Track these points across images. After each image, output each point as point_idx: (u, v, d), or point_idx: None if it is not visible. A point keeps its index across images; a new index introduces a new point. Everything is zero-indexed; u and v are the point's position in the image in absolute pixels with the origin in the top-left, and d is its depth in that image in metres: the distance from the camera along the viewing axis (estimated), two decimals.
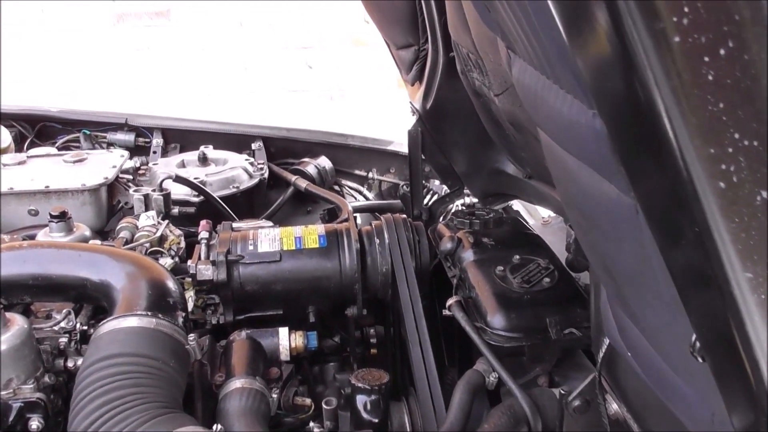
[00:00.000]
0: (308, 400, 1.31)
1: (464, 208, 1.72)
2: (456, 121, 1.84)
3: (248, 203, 2.04)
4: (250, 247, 1.46)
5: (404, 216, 1.58)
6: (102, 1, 3.82)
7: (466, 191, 2.08)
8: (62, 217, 1.46)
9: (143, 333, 1.09)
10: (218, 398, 1.21)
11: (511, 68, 0.73)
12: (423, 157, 1.97)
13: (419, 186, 2.02)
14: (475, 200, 2.18)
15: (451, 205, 2.09)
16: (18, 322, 1.13)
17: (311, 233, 1.50)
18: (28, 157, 1.92)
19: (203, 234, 1.53)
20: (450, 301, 1.29)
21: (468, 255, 1.41)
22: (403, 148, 2.35)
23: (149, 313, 1.13)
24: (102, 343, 1.08)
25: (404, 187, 2.20)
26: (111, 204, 1.90)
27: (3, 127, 2.16)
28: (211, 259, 1.43)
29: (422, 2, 1.55)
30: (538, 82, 0.57)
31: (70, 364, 1.23)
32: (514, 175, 1.73)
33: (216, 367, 1.29)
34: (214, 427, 1.00)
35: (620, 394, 0.91)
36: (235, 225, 1.58)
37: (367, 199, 2.40)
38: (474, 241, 1.43)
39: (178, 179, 1.81)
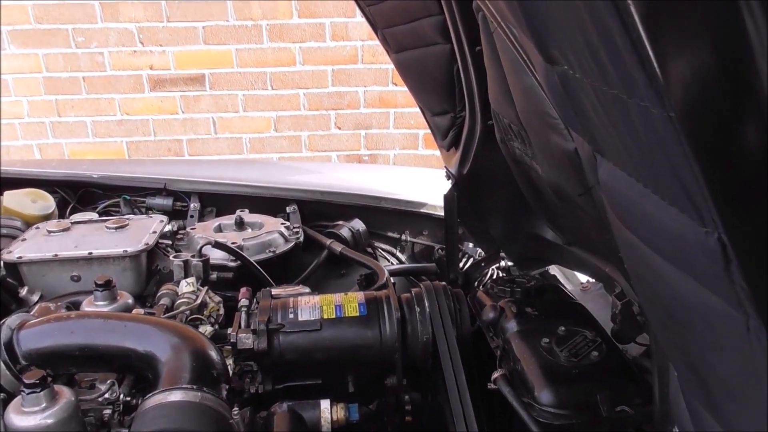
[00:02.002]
0: None
1: (503, 274, 1.70)
2: (493, 187, 1.85)
3: (284, 267, 2.05)
4: (291, 316, 1.46)
5: (444, 283, 1.57)
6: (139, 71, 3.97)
7: (502, 255, 2.07)
8: (107, 285, 1.48)
9: (188, 407, 1.09)
10: None
11: (593, 168, 0.73)
12: (458, 221, 1.98)
13: (455, 250, 2.02)
14: (510, 264, 2.17)
15: (487, 270, 2.07)
16: (66, 395, 1.14)
17: (351, 301, 1.50)
18: (72, 223, 1.96)
19: (243, 302, 1.54)
20: (495, 375, 1.27)
21: (511, 325, 1.39)
22: (437, 210, 2.37)
23: (194, 387, 1.12)
24: (148, 418, 1.07)
25: (439, 250, 2.20)
26: (150, 269, 1.93)
27: (48, 194, 2.23)
28: (251, 327, 1.43)
29: (461, 72, 1.58)
30: (632, 188, 0.56)
31: None
32: (553, 241, 1.72)
33: None
34: None
35: None
36: (274, 292, 1.59)
37: (400, 261, 2.40)
38: (517, 311, 1.42)
39: (218, 245, 1.83)
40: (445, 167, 2.04)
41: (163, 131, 4.24)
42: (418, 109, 4.09)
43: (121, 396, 1.28)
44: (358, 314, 1.47)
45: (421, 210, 2.40)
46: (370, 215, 2.39)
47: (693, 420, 0.66)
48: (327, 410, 1.30)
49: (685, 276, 0.53)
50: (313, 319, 1.45)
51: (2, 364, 1.23)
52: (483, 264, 2.04)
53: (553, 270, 2.07)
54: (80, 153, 4.25)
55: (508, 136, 1.45)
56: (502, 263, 2.17)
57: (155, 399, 1.11)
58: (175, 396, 1.10)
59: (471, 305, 1.58)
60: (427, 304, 1.49)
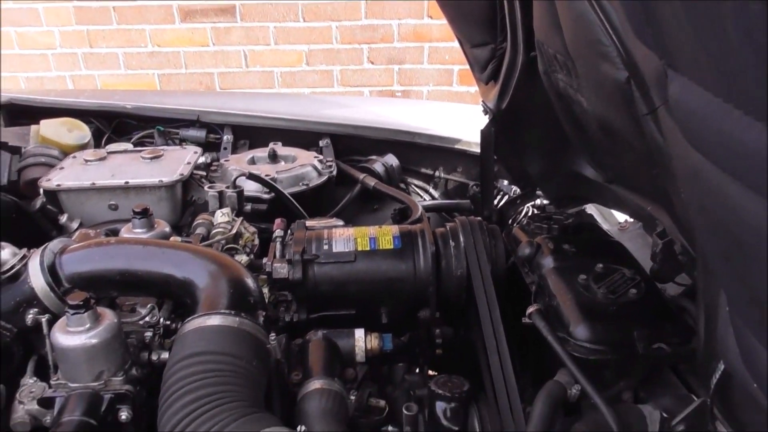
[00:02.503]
0: (382, 402, 1.30)
1: (539, 212, 1.67)
2: (532, 122, 1.79)
3: (316, 201, 2.05)
4: (325, 247, 1.46)
5: (479, 219, 1.54)
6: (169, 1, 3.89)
7: (538, 193, 2.03)
8: (144, 214, 1.49)
9: (227, 332, 1.11)
10: (295, 397, 1.22)
11: (660, 88, 0.68)
12: (495, 158, 1.94)
13: (490, 187, 1.99)
14: (546, 202, 2.14)
15: (522, 208, 2.04)
16: (109, 316, 1.17)
17: (386, 234, 1.49)
18: (108, 153, 1.98)
19: (278, 232, 1.54)
20: (530, 309, 1.26)
21: (548, 261, 1.37)
22: (471, 147, 2.33)
23: (232, 312, 1.14)
24: (188, 340, 1.10)
25: (474, 187, 2.17)
26: (185, 199, 1.95)
27: (83, 124, 2.24)
28: (287, 257, 1.44)
29: (504, 1, 1.51)
30: (709, 104, 0.53)
31: (154, 357, 1.26)
32: (593, 179, 1.67)
33: (291, 365, 1.30)
34: (298, 428, 1.00)
35: (734, 424, 0.86)
36: (308, 223, 1.59)
37: (433, 198, 2.38)
38: (554, 248, 1.39)
39: (252, 176, 1.83)
40: (482, 101, 1.98)
41: (195, 64, 4.21)
42: (453, 44, 3.99)
43: (161, 320, 1.31)
44: (392, 247, 1.46)
45: (456, 146, 2.36)
46: (403, 151, 2.36)
47: (745, 356, 0.65)
48: (361, 339, 1.32)
49: (761, 200, 0.50)
50: (347, 250, 1.45)
51: (47, 286, 1.26)
52: (518, 201, 2.01)
53: (590, 209, 2.03)
54: (112, 85, 4.26)
55: (553, 67, 1.39)
56: (537, 201, 2.13)
57: (195, 323, 1.13)
58: (214, 320, 1.12)
59: (506, 242, 1.56)
60: (462, 239, 1.48)
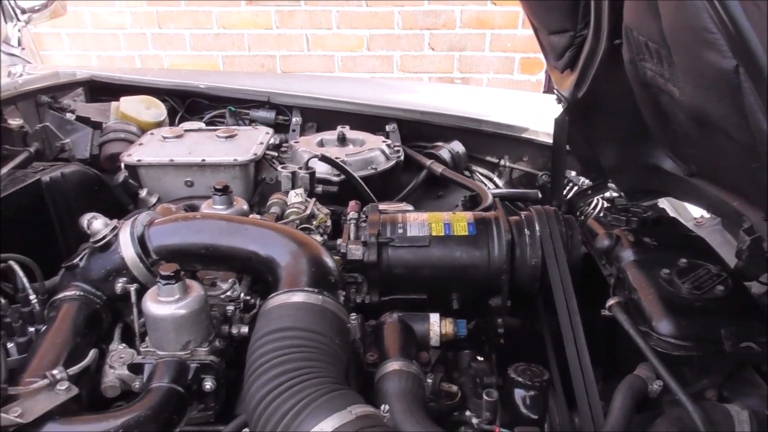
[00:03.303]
0: (455, 387, 1.31)
1: (617, 204, 1.64)
2: (610, 112, 1.75)
3: (383, 185, 2.06)
4: (400, 231, 1.47)
5: (554, 208, 1.53)
6: None
7: (610, 185, 1.99)
8: (224, 191, 1.53)
9: (311, 309, 1.13)
10: (369, 377, 1.24)
11: None
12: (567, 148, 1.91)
13: (561, 177, 1.96)
14: (615, 195, 2.09)
15: (592, 199, 2.01)
16: (196, 288, 1.21)
17: (460, 220, 1.49)
18: (184, 131, 2.03)
19: (352, 215, 1.56)
20: (611, 302, 1.24)
21: (628, 254, 1.35)
22: (539, 136, 2.29)
23: (315, 290, 1.16)
24: (273, 315, 1.12)
25: (543, 177, 2.14)
26: (256, 179, 1.99)
27: (160, 102, 2.31)
28: (362, 239, 1.46)
29: None
30: None
31: (234, 331, 1.30)
32: (671, 172, 1.63)
33: (366, 345, 1.32)
34: (382, 407, 1.02)
35: None
36: (381, 207, 1.60)
37: (497, 186, 2.36)
38: (634, 240, 1.37)
39: (324, 159, 1.86)
40: (556, 90, 1.94)
41: (258, 46, 4.27)
42: (516, 32, 3.93)
43: (241, 295, 1.35)
44: (466, 233, 1.46)
45: (523, 135, 2.33)
46: (469, 137, 2.34)
47: None
48: (436, 324, 1.33)
49: None
50: (422, 235, 1.46)
51: (137, 257, 1.31)
52: (589, 193, 1.97)
53: (662, 203, 1.97)
54: (178, 65, 4.36)
55: (641, 56, 1.35)
56: (607, 194, 2.09)
57: (279, 299, 1.15)
58: (298, 297, 1.14)
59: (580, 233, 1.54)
60: (537, 228, 1.46)
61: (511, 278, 1.47)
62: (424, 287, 1.49)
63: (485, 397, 1.13)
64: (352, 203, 1.60)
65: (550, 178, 1.99)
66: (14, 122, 1.86)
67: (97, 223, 1.34)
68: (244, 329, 1.32)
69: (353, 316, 1.20)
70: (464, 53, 4.19)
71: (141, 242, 1.32)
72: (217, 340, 1.25)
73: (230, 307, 1.31)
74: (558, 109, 1.90)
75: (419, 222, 1.49)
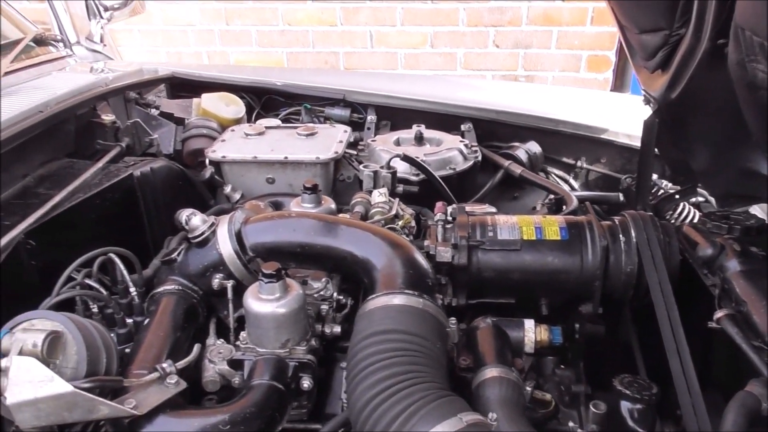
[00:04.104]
0: (548, 396, 1.29)
1: (716, 211, 1.58)
2: (705, 114, 1.68)
3: (460, 186, 2.04)
4: (490, 234, 1.45)
5: (650, 213, 1.48)
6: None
7: (700, 190, 1.92)
8: (314, 189, 1.54)
9: (413, 312, 1.12)
10: (464, 382, 1.22)
11: None
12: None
13: (648, 181, 1.89)
14: (702, 200, 2.02)
15: (679, 205, 1.94)
16: (296, 287, 1.22)
17: (551, 224, 1.46)
18: (265, 128, 2.06)
19: (439, 216, 1.55)
20: (719, 314, 1.19)
21: (733, 264, 1.29)
22: (618, 137, 2.23)
23: (416, 293, 1.16)
24: (375, 318, 1.12)
25: (627, 179, 2.08)
26: (335, 177, 2.00)
27: (239, 99, 2.35)
28: (452, 241, 1.44)
29: None
30: None
31: (327, 330, 1.31)
32: None
33: (457, 350, 1.31)
34: (489, 415, 1.00)
35: None
36: (467, 209, 1.58)
37: (572, 188, 2.31)
38: (741, 250, 1.31)
39: (407, 159, 1.85)
40: (645, 91, 1.88)
41: (322, 43, 4.30)
42: (583, 29, 3.83)
43: (334, 294, 1.35)
44: (559, 238, 1.43)
45: (602, 136, 2.27)
46: (545, 138, 2.30)
47: None
48: (531, 330, 1.30)
49: None
50: (513, 238, 1.43)
51: (234, 253, 1.33)
52: (677, 197, 1.90)
53: (753, 210, 1.89)
54: (243, 61, 4.43)
55: (752, 57, 1.29)
56: (693, 199, 2.02)
57: (379, 301, 1.15)
58: (399, 300, 1.14)
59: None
60: (633, 234, 1.42)
61: (603, 285, 1.43)
62: (513, 291, 1.47)
63: (592, 408, 1.11)
64: (439, 204, 1.58)
65: (636, 182, 1.93)
66: (107, 118, 1.92)
67: (195, 220, 1.37)
68: (337, 329, 1.33)
69: (452, 320, 1.18)
70: (530, 50, 4.12)
71: (238, 239, 1.35)
72: (313, 339, 1.26)
73: (324, 306, 1.32)
74: (645, 110, 1.84)
75: (509, 225, 1.46)
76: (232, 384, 1.21)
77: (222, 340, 1.29)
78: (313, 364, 1.22)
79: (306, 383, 1.20)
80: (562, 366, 1.47)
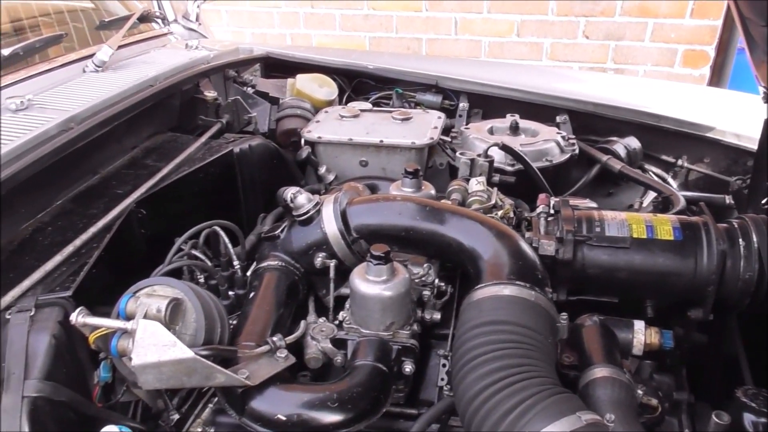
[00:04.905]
0: (654, 401, 1.23)
1: None
2: None
3: (554, 179, 1.98)
4: (597, 229, 1.40)
5: None
6: None
7: None
8: (416, 174, 1.52)
9: (525, 304, 1.09)
10: (565, 379, 1.19)
11: None
12: None
13: (762, 184, 1.78)
14: None
15: None
16: (402, 271, 1.21)
17: (663, 223, 1.39)
18: (360, 111, 2.06)
19: (542, 208, 1.50)
20: None
21: None
22: (725, 136, 2.11)
23: (527, 285, 1.13)
24: (485, 307, 1.10)
25: (737, 182, 1.97)
26: (427, 163, 1.98)
27: (332, 81, 2.36)
28: (557, 234, 1.40)
29: None
30: None
31: (427, 316, 1.30)
32: None
33: (561, 346, 1.27)
34: (607, 416, 0.97)
35: None
36: (571, 202, 1.53)
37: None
38: None
39: (505, 148, 1.81)
40: (764, 87, 1.77)
41: (405, 28, 4.26)
42: (681, 21, 3.63)
43: (436, 280, 1.34)
44: (671, 238, 1.36)
45: (707, 134, 2.15)
46: (645, 134, 2.20)
47: None
48: (641, 332, 1.25)
49: None
50: (621, 236, 1.37)
51: (339, 233, 1.34)
52: None
53: None
54: (326, 44, 4.46)
55: None
56: None
57: (488, 291, 1.13)
58: (510, 291, 1.11)
59: None
60: (755, 238, 1.33)
61: (717, 291, 1.35)
62: (617, 291, 1.42)
63: (715, 419, 1.05)
64: (542, 196, 1.54)
65: (748, 185, 1.82)
66: (209, 94, 1.97)
67: (301, 198, 1.39)
68: (437, 315, 1.31)
69: (563, 315, 1.15)
70: (621, 43, 3.96)
71: (343, 219, 1.35)
72: (415, 324, 1.25)
73: (426, 292, 1.30)
74: (761, 109, 1.73)
75: (618, 221, 1.40)
76: (333, 362, 1.22)
77: (323, 318, 1.30)
78: (416, 348, 1.21)
79: (408, 367, 1.19)
80: (660, 372, 1.41)
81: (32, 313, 1.10)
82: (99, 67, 1.86)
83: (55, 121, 1.46)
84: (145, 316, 1.01)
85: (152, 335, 0.97)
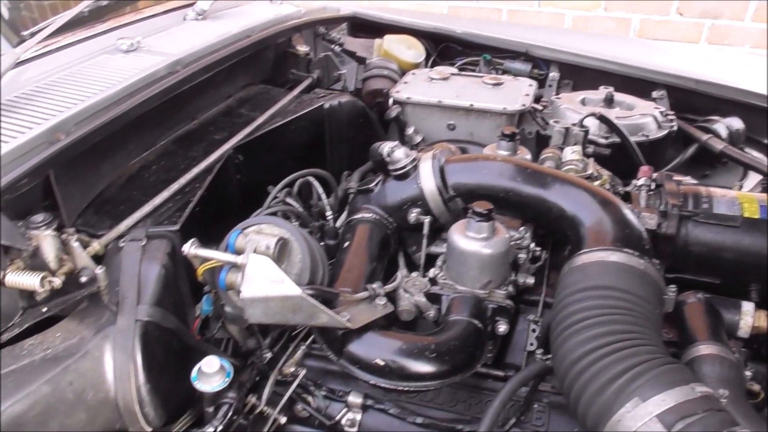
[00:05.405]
0: (757, 386, 1.18)
1: None
2: None
3: (649, 156, 1.90)
4: (704, 205, 1.34)
5: None
6: None
7: None
8: (512, 137, 1.49)
9: (633, 272, 1.06)
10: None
11: None
12: None
13: None
14: None
15: None
16: (502, 231, 1.19)
17: None
18: (451, 74, 2.02)
19: (644, 180, 1.45)
20: None
21: None
22: None
23: (636, 253, 1.09)
24: (590, 272, 1.07)
25: None
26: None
27: (419, 43, 2.32)
28: (660, 208, 1.35)
29: None
30: None
31: (520, 280, 1.28)
32: None
33: None
34: (720, 391, 0.93)
35: None
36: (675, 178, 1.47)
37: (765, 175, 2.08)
38: None
39: (602, 118, 1.75)
40: None
41: None
42: None
43: (532, 244, 1.31)
44: None
45: None
46: (749, 114, 2.08)
47: None
48: (749, 314, 1.20)
49: None
50: (731, 214, 1.31)
51: (436, 190, 1.33)
52: None
53: None
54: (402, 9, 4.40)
55: None
56: None
57: (594, 256, 1.10)
58: (617, 257, 1.08)
59: None
60: None
61: None
62: (720, 272, 1.36)
63: None
64: (644, 168, 1.48)
65: None
66: (301, 49, 1.98)
67: (398, 152, 1.38)
68: (530, 280, 1.29)
69: (671, 287, 1.11)
70: (718, 21, 3.74)
71: (441, 177, 1.34)
72: (510, 285, 1.23)
73: (522, 255, 1.28)
74: None
75: (728, 199, 1.34)
76: (426, 316, 1.22)
77: (417, 272, 1.30)
78: (512, 309, 1.19)
79: (502, 327, 1.18)
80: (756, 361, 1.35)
81: (143, 243, 1.14)
82: (200, 15, 1.89)
83: (163, 63, 1.49)
84: (254, 253, 1.03)
85: (262, 270, 0.99)
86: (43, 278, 0.99)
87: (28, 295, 1.06)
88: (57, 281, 1.01)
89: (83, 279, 1.04)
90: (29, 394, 0.93)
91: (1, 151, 1.10)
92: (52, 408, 0.96)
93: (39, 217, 1.03)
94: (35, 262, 1.04)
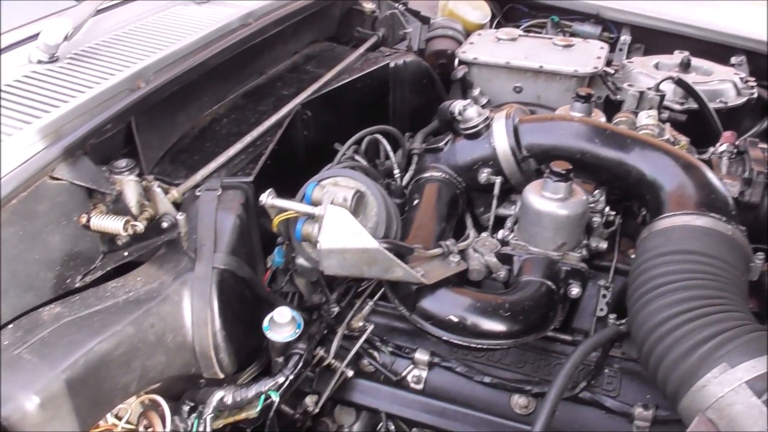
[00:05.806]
0: None
1: None
2: None
3: (726, 123, 1.82)
4: None
5: None
6: None
7: None
8: (587, 98, 1.45)
9: (721, 237, 1.02)
10: None
11: None
12: None
13: None
14: None
15: None
16: (580, 192, 1.16)
17: None
18: (519, 35, 1.97)
19: (726, 146, 1.39)
20: None
21: None
22: None
23: (723, 218, 1.05)
24: (674, 236, 1.04)
25: None
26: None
27: (486, 4, 2.26)
28: (744, 176, 1.29)
29: None
30: None
31: (593, 244, 1.25)
32: None
33: None
34: None
35: None
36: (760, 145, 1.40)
37: None
38: None
39: (680, 83, 1.68)
40: None
41: None
42: None
43: (607, 208, 1.28)
44: None
45: None
46: None
47: None
48: None
49: None
50: None
51: (509, 150, 1.30)
52: None
53: None
54: None
55: None
56: None
57: (678, 220, 1.06)
58: (704, 222, 1.04)
59: None
60: None
61: None
62: None
63: None
64: (727, 134, 1.42)
65: None
66: (368, 5, 1.95)
67: (471, 111, 1.35)
68: (603, 244, 1.26)
69: (759, 255, 1.06)
70: None
71: (515, 136, 1.31)
72: (584, 248, 1.21)
73: (596, 219, 1.25)
74: None
75: None
76: (496, 277, 1.21)
77: (487, 233, 1.28)
78: (586, 272, 1.17)
79: (575, 290, 1.16)
80: None
81: (219, 193, 1.15)
82: None
83: (236, 14, 1.49)
84: (332, 204, 1.03)
85: (340, 221, 0.99)
86: (126, 222, 1.02)
87: (110, 239, 1.08)
88: (140, 225, 1.03)
89: (164, 225, 1.06)
90: (115, 333, 0.96)
91: (85, 97, 1.12)
92: (136, 348, 0.99)
93: (122, 163, 1.05)
94: (117, 207, 1.07)
